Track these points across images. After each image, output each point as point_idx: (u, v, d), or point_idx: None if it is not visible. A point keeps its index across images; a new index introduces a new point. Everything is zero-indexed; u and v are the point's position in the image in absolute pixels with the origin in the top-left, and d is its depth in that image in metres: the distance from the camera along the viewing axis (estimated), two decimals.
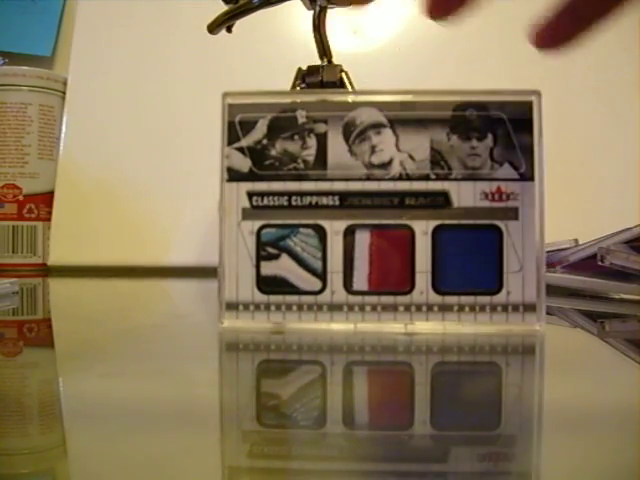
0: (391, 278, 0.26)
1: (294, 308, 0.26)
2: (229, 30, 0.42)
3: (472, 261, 0.26)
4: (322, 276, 0.26)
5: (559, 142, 0.50)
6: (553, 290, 0.35)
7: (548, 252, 0.36)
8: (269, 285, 0.26)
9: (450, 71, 0.56)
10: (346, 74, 0.39)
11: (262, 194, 0.26)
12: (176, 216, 0.58)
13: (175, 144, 0.60)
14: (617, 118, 0.59)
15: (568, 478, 0.13)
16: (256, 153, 0.26)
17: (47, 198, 0.60)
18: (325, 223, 0.26)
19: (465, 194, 0.26)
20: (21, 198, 0.59)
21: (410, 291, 0.26)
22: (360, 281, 0.26)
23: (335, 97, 0.27)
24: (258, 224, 0.26)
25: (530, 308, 0.25)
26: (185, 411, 0.17)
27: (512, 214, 0.26)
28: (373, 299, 0.26)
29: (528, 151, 0.26)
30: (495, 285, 0.26)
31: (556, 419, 0.17)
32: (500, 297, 0.25)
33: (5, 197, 0.59)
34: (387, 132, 0.26)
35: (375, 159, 0.26)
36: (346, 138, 0.26)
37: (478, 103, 0.26)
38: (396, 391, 0.20)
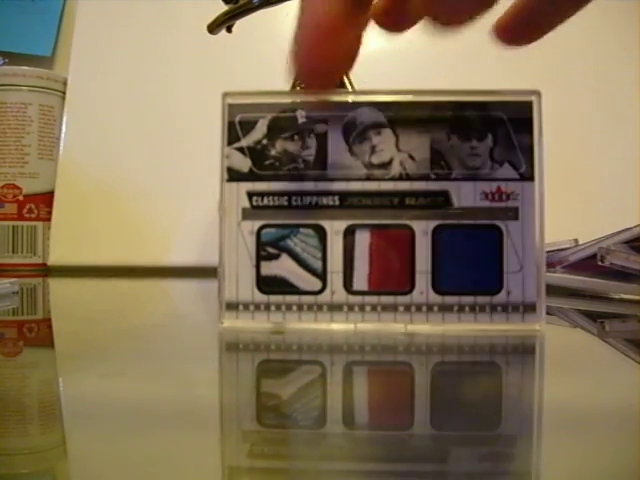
0: (391, 278, 0.26)
1: (294, 308, 0.26)
2: (229, 30, 0.43)
3: (472, 261, 0.26)
4: (322, 276, 0.26)
5: (559, 142, 0.50)
6: (553, 290, 0.35)
7: (548, 252, 0.36)
8: (269, 285, 0.26)
9: (450, 71, 0.56)
10: (346, 74, 0.39)
11: (262, 194, 0.26)
12: (176, 216, 0.58)
13: (175, 144, 0.60)
14: (617, 118, 0.59)
15: (568, 478, 0.13)
16: (256, 153, 0.26)
17: (47, 198, 0.60)
18: (325, 223, 0.26)
19: (465, 194, 0.26)
20: (21, 198, 0.59)
21: (410, 291, 0.26)
22: (360, 281, 0.26)
23: (335, 97, 0.27)
24: (258, 224, 0.26)
25: (530, 308, 0.25)
26: (185, 411, 0.17)
27: (512, 214, 0.26)
28: (373, 299, 0.26)
29: (528, 151, 0.26)
30: (495, 285, 0.26)
31: (556, 419, 0.17)
32: (500, 297, 0.25)
33: (5, 197, 0.59)
34: (387, 132, 0.26)
35: (375, 159, 0.26)
36: (346, 138, 0.26)
37: (478, 103, 0.26)
38: (396, 391, 0.20)
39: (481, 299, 0.26)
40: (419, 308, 0.26)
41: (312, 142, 0.26)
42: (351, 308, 0.26)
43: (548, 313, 0.26)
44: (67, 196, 0.60)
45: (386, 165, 0.26)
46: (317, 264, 0.26)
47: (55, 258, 0.58)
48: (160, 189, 0.59)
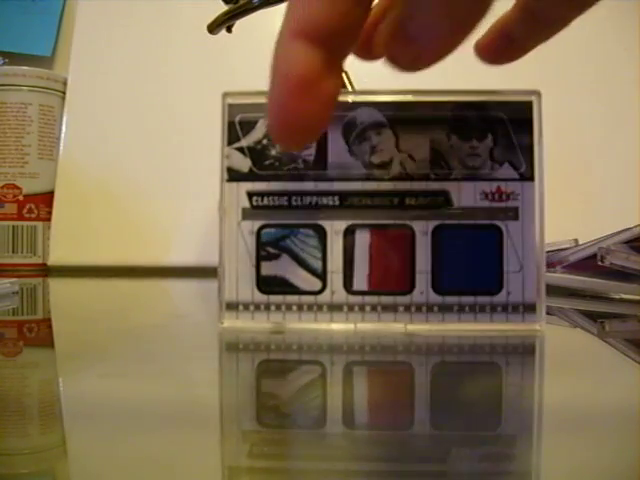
0: (391, 278, 0.26)
1: (294, 308, 0.26)
2: (229, 30, 0.43)
3: (472, 261, 0.26)
4: (322, 276, 0.26)
5: (559, 142, 0.50)
6: (553, 290, 0.35)
7: (548, 252, 0.36)
8: (269, 285, 0.26)
9: (450, 71, 0.56)
10: (346, 74, 0.39)
11: (262, 194, 0.26)
12: (176, 216, 0.58)
13: (175, 144, 0.60)
14: (617, 118, 0.59)
15: (568, 478, 0.13)
16: (256, 153, 0.26)
17: (47, 198, 0.60)
18: (325, 223, 0.26)
19: (465, 194, 0.26)
20: (21, 198, 0.59)
21: (410, 291, 0.26)
22: (360, 281, 0.26)
23: None
24: (258, 224, 0.26)
25: (530, 308, 0.25)
26: (185, 411, 0.17)
27: (512, 214, 0.26)
28: (373, 299, 0.26)
29: (528, 151, 0.26)
30: (495, 285, 0.26)
31: (556, 419, 0.17)
32: (500, 297, 0.25)
33: (5, 197, 0.59)
34: (387, 132, 0.26)
35: (375, 159, 0.26)
36: (346, 138, 0.26)
37: (478, 103, 0.26)
38: (396, 391, 0.20)
39: (481, 299, 0.26)
40: (419, 308, 0.26)
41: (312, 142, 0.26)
42: (351, 308, 0.26)
43: (548, 313, 0.26)
44: (67, 196, 0.60)
45: (386, 165, 0.26)
46: (317, 264, 0.26)
47: (55, 258, 0.58)
48: (160, 189, 0.59)
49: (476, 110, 0.26)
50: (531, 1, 0.22)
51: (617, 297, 0.37)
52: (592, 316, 0.34)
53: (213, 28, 0.42)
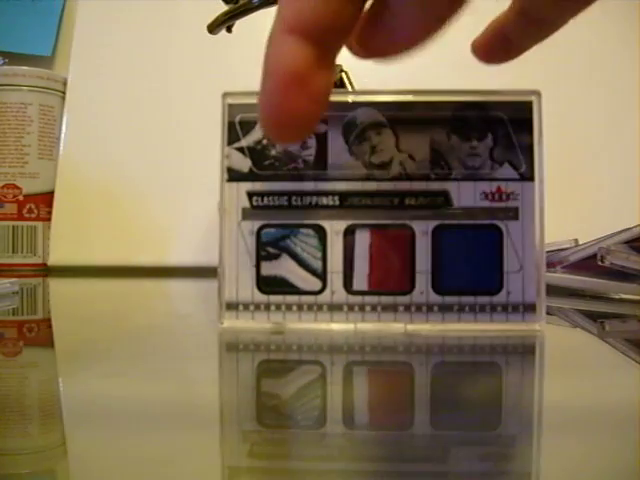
0: (391, 278, 0.26)
1: (294, 308, 0.26)
2: (229, 30, 0.43)
3: (472, 261, 0.26)
4: (322, 276, 0.26)
5: (559, 142, 0.50)
6: (553, 290, 0.35)
7: (548, 252, 0.36)
8: (269, 285, 0.26)
9: (450, 71, 0.56)
10: (346, 74, 0.39)
11: (262, 194, 0.26)
12: (176, 216, 0.58)
13: (175, 144, 0.60)
14: (617, 118, 0.59)
15: (568, 478, 0.13)
16: (256, 153, 0.26)
17: (47, 198, 0.60)
18: (325, 223, 0.26)
19: (465, 194, 0.26)
20: (21, 198, 0.59)
21: (410, 291, 0.26)
22: (360, 281, 0.26)
23: (335, 97, 0.27)
24: (258, 224, 0.26)
25: (530, 308, 0.25)
26: (185, 411, 0.17)
27: (512, 214, 0.26)
28: (373, 299, 0.26)
29: (528, 151, 0.26)
30: (495, 285, 0.26)
31: (556, 419, 0.17)
32: (500, 297, 0.25)
33: (5, 197, 0.59)
34: (387, 132, 0.26)
35: (375, 159, 0.26)
36: (346, 138, 0.26)
37: (478, 103, 0.26)
38: (396, 391, 0.20)
39: (481, 299, 0.26)
40: (419, 308, 0.26)
41: (312, 142, 0.26)
42: (351, 308, 0.26)
43: (548, 313, 0.26)
44: (67, 196, 0.60)
45: (386, 165, 0.26)
46: (317, 264, 0.26)
47: (55, 258, 0.58)
48: (160, 189, 0.59)
49: (476, 110, 0.26)
50: (525, 3, 0.22)
51: (617, 297, 0.37)
52: (592, 316, 0.34)
53: (213, 28, 0.42)
